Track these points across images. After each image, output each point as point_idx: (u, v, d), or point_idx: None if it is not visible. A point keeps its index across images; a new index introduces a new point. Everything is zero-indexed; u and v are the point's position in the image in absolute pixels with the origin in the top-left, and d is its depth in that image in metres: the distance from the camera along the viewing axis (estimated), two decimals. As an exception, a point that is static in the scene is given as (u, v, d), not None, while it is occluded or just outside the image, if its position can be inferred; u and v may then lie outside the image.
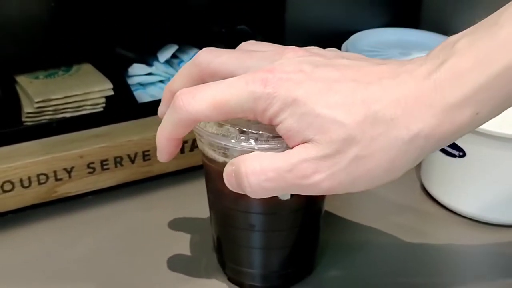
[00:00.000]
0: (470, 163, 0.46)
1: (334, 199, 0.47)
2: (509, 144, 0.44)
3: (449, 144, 0.33)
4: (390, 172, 0.31)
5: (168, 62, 0.61)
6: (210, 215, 0.41)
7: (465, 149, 0.45)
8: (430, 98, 0.30)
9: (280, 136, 0.33)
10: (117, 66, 0.58)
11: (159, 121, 0.51)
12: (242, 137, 0.34)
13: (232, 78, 0.33)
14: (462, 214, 0.47)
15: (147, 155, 0.49)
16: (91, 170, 0.48)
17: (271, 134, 0.34)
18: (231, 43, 0.60)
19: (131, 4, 0.58)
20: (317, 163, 0.31)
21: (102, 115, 0.51)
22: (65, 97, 0.51)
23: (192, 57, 0.61)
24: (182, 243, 0.44)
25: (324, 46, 0.60)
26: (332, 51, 0.36)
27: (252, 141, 0.34)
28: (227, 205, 0.38)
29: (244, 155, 0.33)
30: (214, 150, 0.36)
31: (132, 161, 0.49)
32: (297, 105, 0.31)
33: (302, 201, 0.37)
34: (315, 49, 0.36)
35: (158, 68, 0.60)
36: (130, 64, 0.60)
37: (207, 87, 0.34)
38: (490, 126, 0.44)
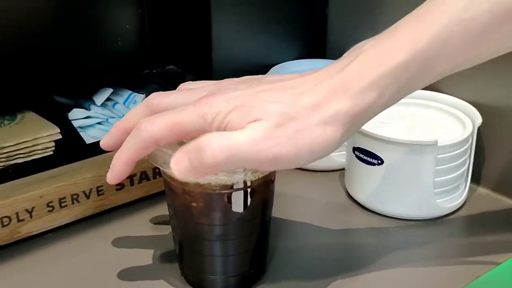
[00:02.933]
0: (387, 169, 0.53)
1: (278, 209, 0.53)
2: (415, 149, 0.51)
3: (364, 122, 0.40)
4: (326, 143, 0.38)
5: (103, 104, 0.66)
6: (173, 231, 0.46)
7: (382, 158, 0.53)
8: (344, 86, 0.38)
9: None
10: (58, 111, 0.61)
11: (108, 159, 0.56)
12: None
13: (183, 105, 0.40)
14: (382, 213, 0.55)
15: (101, 190, 0.53)
16: (50, 208, 0.51)
17: None
18: (162, 83, 0.66)
19: (65, 52, 0.62)
20: (266, 132, 0.37)
21: (53, 158, 0.55)
22: (16, 144, 0.53)
23: (126, 98, 0.67)
24: (144, 264, 0.48)
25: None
26: (259, 76, 0.44)
27: None
28: (192, 219, 0.43)
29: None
30: None
31: (88, 197, 0.53)
32: (239, 108, 0.38)
33: (254, 212, 0.43)
34: (245, 77, 0.44)
35: (96, 111, 0.64)
36: (68, 109, 0.64)
37: (163, 114, 0.40)
38: (401, 136, 0.52)
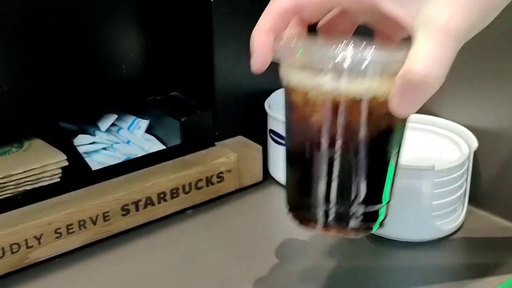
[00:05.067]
0: (386, 192, 0.54)
1: (277, 232, 0.54)
2: (413, 173, 0.53)
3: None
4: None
5: (108, 130, 0.67)
6: (287, 156, 0.41)
7: (381, 181, 0.54)
8: None
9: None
10: (63, 138, 0.63)
11: (114, 185, 0.57)
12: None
13: None
14: (381, 236, 0.56)
15: (107, 216, 0.55)
16: (58, 235, 0.52)
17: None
18: (166, 109, 0.67)
19: (71, 80, 0.63)
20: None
21: (60, 184, 0.56)
22: (24, 172, 0.55)
23: (130, 124, 0.68)
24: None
25: (250, 103, 0.68)
26: None
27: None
28: (309, 134, 0.38)
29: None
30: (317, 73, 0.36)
31: (94, 223, 0.54)
32: None
33: (381, 136, 0.38)
34: None
35: (101, 136, 0.66)
36: (73, 135, 0.65)
37: None
38: (405, 160, 0.53)
